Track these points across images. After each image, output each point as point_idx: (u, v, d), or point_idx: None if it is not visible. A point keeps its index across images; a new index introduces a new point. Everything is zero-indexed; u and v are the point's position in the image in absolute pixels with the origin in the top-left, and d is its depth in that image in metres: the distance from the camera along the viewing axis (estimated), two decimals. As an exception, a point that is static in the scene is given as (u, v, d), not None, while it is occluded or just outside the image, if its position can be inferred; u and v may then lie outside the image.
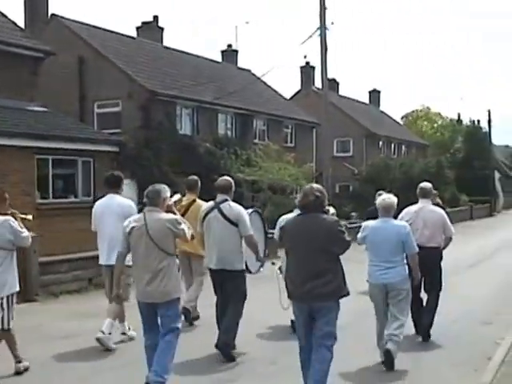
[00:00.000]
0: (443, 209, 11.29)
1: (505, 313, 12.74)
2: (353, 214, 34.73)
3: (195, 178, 12.32)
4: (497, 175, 67.25)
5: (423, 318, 10.54)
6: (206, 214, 9.66)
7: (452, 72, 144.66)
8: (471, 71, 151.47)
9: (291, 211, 10.28)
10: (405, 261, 9.13)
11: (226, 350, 9.34)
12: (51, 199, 19.94)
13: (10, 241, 8.47)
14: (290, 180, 30.80)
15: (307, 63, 50.08)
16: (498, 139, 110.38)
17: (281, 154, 32.45)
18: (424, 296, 10.67)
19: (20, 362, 8.76)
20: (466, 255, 22.11)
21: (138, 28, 36.98)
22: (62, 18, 31.05)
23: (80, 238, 18.44)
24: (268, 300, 11.33)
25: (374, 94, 66.29)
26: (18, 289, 8.73)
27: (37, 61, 22.41)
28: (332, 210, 9.53)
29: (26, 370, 8.77)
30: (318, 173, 34.90)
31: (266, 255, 10.42)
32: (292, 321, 10.19)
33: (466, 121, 74.31)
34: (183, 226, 7.82)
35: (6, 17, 22.80)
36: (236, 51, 44.04)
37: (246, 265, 9.69)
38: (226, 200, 9.60)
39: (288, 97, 48.44)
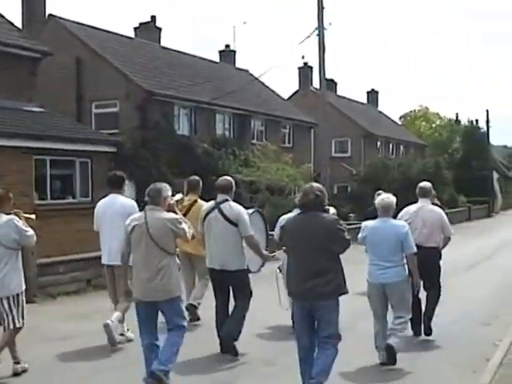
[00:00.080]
0: (442, 209, 11.28)
1: (503, 314, 12.71)
2: (351, 214, 34.71)
3: (197, 178, 12.37)
4: (495, 175, 67.23)
5: (425, 312, 10.61)
6: (207, 214, 9.67)
7: (450, 72, 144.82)
8: (470, 71, 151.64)
9: (290, 211, 10.26)
10: (404, 260, 9.15)
11: (229, 342, 9.46)
12: (49, 200, 19.91)
13: (15, 240, 8.51)
14: (288, 180, 30.78)
15: (305, 63, 50.10)
16: (496, 139, 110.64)
17: (279, 154, 32.45)
18: (424, 296, 10.66)
19: (18, 363, 8.75)
20: (464, 256, 22.10)
21: (135, 28, 36.92)
22: (60, 18, 31.04)
23: (78, 239, 18.47)
24: (268, 300, 11.31)
25: (372, 94, 66.31)
26: (24, 287, 8.77)
27: (34, 61, 22.40)
28: (332, 210, 9.54)
29: (25, 371, 8.74)
30: (316, 173, 34.87)
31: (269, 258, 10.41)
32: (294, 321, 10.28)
33: (464, 121, 74.39)
34: (184, 225, 7.84)
35: (3, 17, 22.79)
36: (234, 51, 44.03)
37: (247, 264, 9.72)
38: (227, 200, 9.61)
39: (286, 97, 48.45)
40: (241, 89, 34.47)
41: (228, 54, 43.48)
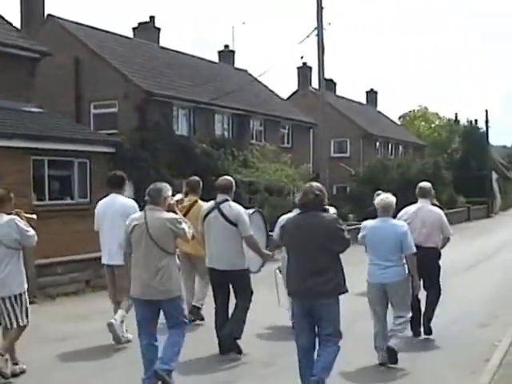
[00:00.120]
0: (441, 209, 11.30)
1: (502, 314, 12.70)
2: (350, 215, 34.68)
3: (197, 178, 12.38)
4: (494, 176, 67.19)
5: (425, 312, 10.67)
6: (207, 214, 9.70)
7: (449, 72, 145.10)
8: (469, 71, 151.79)
9: (289, 211, 10.30)
10: (404, 260, 9.18)
11: (232, 342, 9.54)
12: (47, 201, 19.86)
13: (16, 240, 8.53)
14: (286, 181, 30.76)
15: (304, 63, 50.01)
16: (495, 139, 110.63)
17: (278, 154, 32.41)
18: (423, 296, 10.67)
19: (17, 364, 8.76)
20: (464, 256, 22.09)
21: (134, 28, 36.84)
22: (59, 18, 30.99)
23: (76, 239, 18.44)
24: (267, 301, 11.33)
25: (371, 94, 66.25)
26: (26, 286, 8.80)
27: (33, 61, 22.37)
28: (333, 209, 9.57)
29: (23, 372, 8.75)
30: (314, 174, 34.85)
31: (273, 257, 10.52)
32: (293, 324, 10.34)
33: (463, 121, 74.34)
34: (183, 225, 7.85)
35: (2, 17, 22.76)
36: (233, 51, 44.00)
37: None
38: (227, 200, 9.64)
39: (285, 97, 48.41)
40: (240, 89, 34.44)
41: (227, 54, 43.45)
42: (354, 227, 18.18)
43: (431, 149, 67.88)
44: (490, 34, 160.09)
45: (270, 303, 11.39)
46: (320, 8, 28.16)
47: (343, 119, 50.40)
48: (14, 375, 8.62)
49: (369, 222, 9.40)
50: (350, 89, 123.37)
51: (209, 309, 11.62)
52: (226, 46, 43.76)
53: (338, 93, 58.25)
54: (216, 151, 29.88)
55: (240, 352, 9.57)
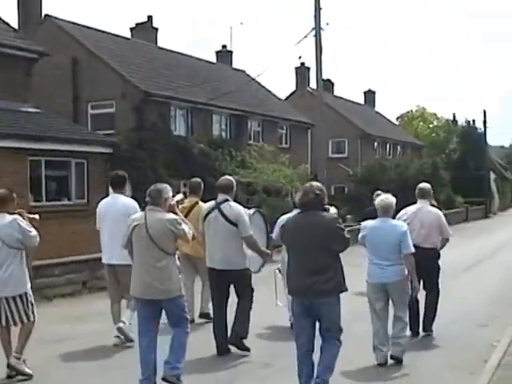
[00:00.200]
0: (439, 210, 11.32)
1: (501, 315, 12.67)
2: (348, 216, 34.64)
3: (198, 180, 12.42)
4: (492, 176, 67.24)
5: (426, 312, 10.80)
6: (207, 214, 9.73)
7: (447, 72, 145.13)
8: (467, 72, 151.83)
9: (289, 212, 10.32)
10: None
11: (240, 343, 9.64)
12: (44, 202, 19.82)
13: (18, 240, 8.54)
14: (284, 182, 30.70)
15: (302, 64, 49.94)
16: (493, 140, 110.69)
17: (276, 155, 32.36)
18: (421, 297, 10.63)
19: None
20: (462, 257, 22.05)
21: (132, 29, 36.86)
22: (56, 18, 30.96)
23: (73, 240, 18.41)
24: (267, 301, 11.32)
25: (369, 95, 66.29)
26: (29, 285, 8.83)
27: (30, 62, 22.34)
28: (333, 209, 9.60)
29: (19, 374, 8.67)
30: (313, 174, 34.81)
31: (271, 257, 10.68)
32: (291, 324, 10.40)
33: (461, 121, 74.37)
34: (184, 226, 7.87)
35: (-1, 18, 22.73)
36: (231, 52, 43.99)
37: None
38: (227, 200, 9.67)
39: (283, 97, 48.40)
40: (238, 89, 34.41)
41: (225, 54, 43.43)
42: (352, 228, 18.09)
43: (429, 149, 67.90)
44: (489, 34, 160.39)
45: (270, 303, 11.40)
46: (318, 8, 28.12)
47: (341, 119, 50.40)
48: (10, 377, 8.58)
49: (369, 223, 9.44)
50: (348, 89, 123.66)
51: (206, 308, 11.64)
52: (224, 47, 43.75)
53: (336, 93, 58.29)
54: (214, 152, 29.85)
55: (247, 349, 9.69)
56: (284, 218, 10.06)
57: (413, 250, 9.17)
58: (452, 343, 10.46)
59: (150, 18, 37.14)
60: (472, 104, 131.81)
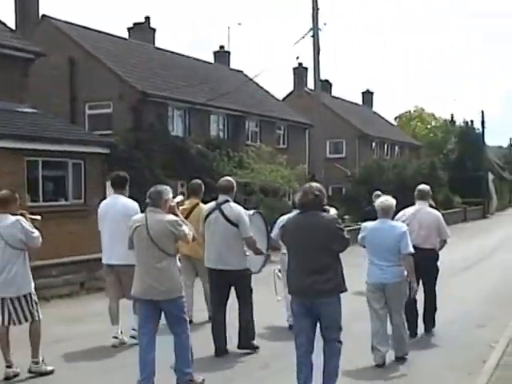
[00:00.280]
0: (437, 211, 11.35)
1: (499, 315, 12.65)
2: (346, 216, 34.60)
3: (199, 181, 12.43)
4: (490, 176, 67.32)
5: (425, 313, 10.97)
6: (208, 215, 9.78)
7: (445, 73, 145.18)
8: (464, 72, 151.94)
9: (288, 212, 10.39)
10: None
11: (250, 346, 9.82)
12: (41, 202, 19.76)
13: (21, 240, 8.59)
14: (282, 182, 30.69)
15: (300, 64, 49.90)
16: (491, 140, 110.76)
17: (273, 155, 32.35)
18: (419, 297, 10.63)
19: (10, 367, 8.71)
20: (461, 257, 22.06)
21: (129, 29, 36.85)
22: (53, 18, 30.94)
23: (71, 241, 18.36)
24: (266, 301, 11.32)
25: (367, 95, 66.36)
26: (33, 285, 8.93)
27: (27, 62, 22.30)
28: (333, 210, 9.64)
29: (16, 375, 8.69)
30: (310, 175, 34.78)
31: (270, 258, 10.71)
32: (289, 326, 10.75)
33: (459, 121, 74.47)
34: (184, 227, 7.93)
35: (-4, 18, 22.68)
36: (228, 52, 44.00)
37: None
38: (227, 201, 9.73)
39: (281, 98, 48.40)
40: (235, 90, 34.38)
41: (222, 54, 43.43)
42: (350, 228, 18.05)
43: (427, 149, 67.96)
44: (487, 35, 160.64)
45: (269, 303, 11.42)
46: (315, 9, 28.08)
47: (339, 120, 50.41)
48: (7, 378, 8.58)
49: (369, 224, 9.53)
50: (346, 89, 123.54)
51: (204, 309, 11.61)
52: (222, 47, 43.74)
53: (333, 93, 58.31)
54: (211, 152, 29.83)
55: (256, 347, 9.87)
56: (284, 218, 10.11)
57: (412, 250, 9.21)
58: (451, 343, 10.48)
59: (147, 18, 37.17)
60: (470, 104, 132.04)
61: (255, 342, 9.96)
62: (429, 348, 10.29)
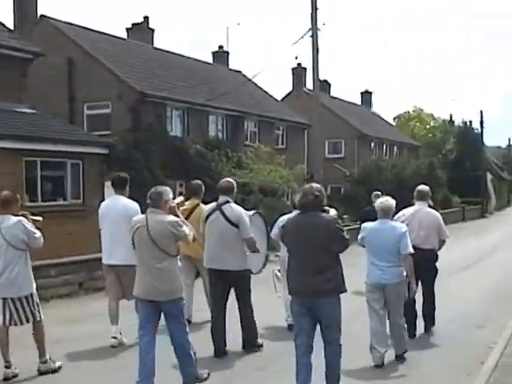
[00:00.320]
0: (436, 211, 11.39)
1: (498, 316, 12.67)
2: (344, 216, 34.59)
3: (199, 182, 12.47)
4: (489, 176, 67.33)
5: (424, 313, 11.02)
6: (208, 216, 9.84)
7: (444, 73, 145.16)
8: (463, 73, 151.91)
9: (288, 213, 10.54)
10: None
11: (255, 345, 9.96)
12: (40, 202, 19.73)
13: (23, 241, 8.67)
14: (281, 182, 30.66)
15: (299, 64, 49.93)
16: (490, 140, 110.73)
17: (272, 155, 32.32)
18: (418, 298, 10.64)
19: (9, 367, 8.72)
20: (460, 256, 22.06)
21: (128, 29, 36.75)
22: (52, 19, 30.87)
23: (69, 241, 18.34)
24: (265, 301, 11.38)
25: (366, 95, 66.32)
26: (35, 286, 8.98)
27: (26, 62, 22.26)
28: (333, 211, 9.69)
29: (15, 376, 8.71)
30: (309, 175, 34.75)
31: (269, 258, 10.73)
32: (288, 326, 10.92)
33: (458, 122, 74.49)
34: (184, 228, 7.98)
35: (-6, 18, 22.68)
36: (227, 52, 43.92)
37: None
38: (228, 202, 9.79)
39: (279, 98, 48.34)
40: (234, 90, 34.32)
41: (221, 55, 43.37)
42: (349, 228, 18.07)
43: (426, 149, 68.00)
44: (486, 35, 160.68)
45: (268, 304, 11.48)
46: (314, 9, 28.04)
47: (338, 120, 50.37)
48: (6, 379, 8.59)
49: (368, 224, 9.58)
50: (345, 90, 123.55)
51: (203, 311, 11.58)
52: (221, 47, 43.68)
53: (332, 94, 58.28)
54: (210, 152, 29.80)
55: (261, 346, 10.05)
56: (284, 218, 10.21)
57: (412, 250, 9.25)
58: (450, 343, 10.50)
59: (146, 18, 37.07)
60: (469, 105, 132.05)
61: (259, 341, 10.07)
62: (428, 348, 10.31)
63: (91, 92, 28.73)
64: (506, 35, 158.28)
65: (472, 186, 57.32)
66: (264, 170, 30.30)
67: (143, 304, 8.01)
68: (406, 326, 9.75)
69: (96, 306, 12.91)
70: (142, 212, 8.55)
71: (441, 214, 11.47)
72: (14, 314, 8.73)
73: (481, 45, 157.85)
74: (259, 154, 31.51)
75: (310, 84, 35.14)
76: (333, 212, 9.35)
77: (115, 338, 10.30)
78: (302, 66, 50.10)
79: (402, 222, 10.21)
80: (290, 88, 53.38)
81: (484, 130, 63.09)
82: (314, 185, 7.74)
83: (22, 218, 8.75)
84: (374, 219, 9.57)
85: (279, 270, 11.34)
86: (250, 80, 37.13)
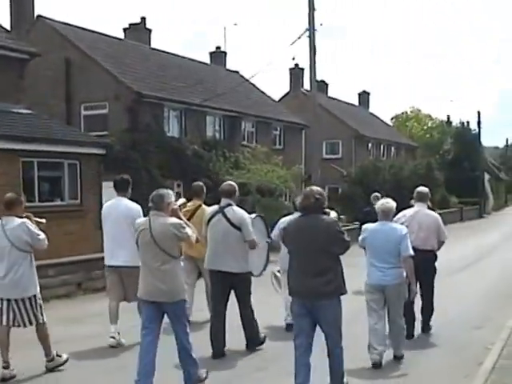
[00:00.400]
0: (434, 211, 11.42)
1: (496, 316, 12.67)
2: (342, 216, 34.59)
3: (201, 183, 12.50)
4: (486, 177, 67.41)
5: (423, 314, 11.08)
6: (211, 218, 9.91)
7: (442, 73, 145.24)
8: (461, 73, 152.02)
9: (287, 214, 10.66)
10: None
11: (258, 342, 10.09)
12: (37, 203, 19.68)
13: (27, 242, 8.75)
14: (278, 182, 30.64)
15: (296, 65, 49.99)
16: (487, 141, 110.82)
17: (269, 156, 32.30)
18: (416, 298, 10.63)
19: (8, 368, 8.73)
20: (458, 257, 22.05)
21: (125, 29, 36.73)
22: (48, 19, 30.83)
23: (67, 241, 18.31)
24: (264, 302, 11.42)
25: (364, 96, 66.33)
26: (38, 288, 9.06)
27: (23, 62, 22.20)
28: (334, 213, 9.75)
29: (12, 377, 8.70)
30: (306, 175, 34.76)
31: (269, 260, 10.79)
32: (287, 325, 11.01)
33: (455, 122, 74.57)
34: (187, 229, 8.03)
35: (-9, 19, 22.64)
36: (224, 53, 43.91)
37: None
38: (230, 204, 9.89)
39: (277, 99, 48.33)
40: (231, 90, 34.34)
41: (218, 55, 43.36)
42: (347, 228, 18.07)
43: (423, 150, 68.10)
44: (486, 35, 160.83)
45: (267, 304, 11.52)
46: (312, 9, 28.02)
47: (335, 120, 50.38)
48: (4, 380, 8.60)
49: (369, 225, 9.62)
50: (343, 90, 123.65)
51: (203, 311, 11.56)
52: (218, 48, 43.67)
53: (330, 94, 58.28)
54: (207, 153, 29.81)
55: (263, 340, 10.19)
56: (285, 219, 10.32)
57: (412, 253, 9.29)
58: (448, 344, 10.49)
59: (143, 18, 37.05)
60: (466, 105, 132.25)
61: (262, 335, 10.19)
62: (426, 348, 10.30)
63: (88, 92, 28.71)
64: (505, 35, 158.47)
65: (470, 187, 57.39)
66: (261, 170, 30.28)
67: (146, 305, 8.06)
68: (405, 326, 9.76)
69: (95, 307, 12.89)
70: (144, 214, 8.57)
71: (439, 214, 11.49)
72: (18, 315, 8.79)
73: (479, 45, 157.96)
74: (256, 155, 31.49)
75: (307, 84, 35.25)
76: (333, 214, 9.46)
77: (113, 337, 10.29)
78: (300, 66, 50.16)
79: (402, 223, 10.24)
80: (287, 88, 53.43)
81: (481, 131, 63.31)
82: (315, 188, 7.79)
83: (25, 219, 8.84)
84: (374, 220, 9.62)
85: (278, 271, 11.44)
86: (247, 80, 37.14)
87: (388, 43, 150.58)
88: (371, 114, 65.91)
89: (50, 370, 8.99)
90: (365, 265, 9.59)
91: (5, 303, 8.78)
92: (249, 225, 9.72)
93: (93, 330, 11.26)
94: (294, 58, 32.33)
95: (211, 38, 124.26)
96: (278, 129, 39.44)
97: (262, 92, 43.29)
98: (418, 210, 10.96)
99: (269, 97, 43.80)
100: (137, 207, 10.31)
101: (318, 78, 30.59)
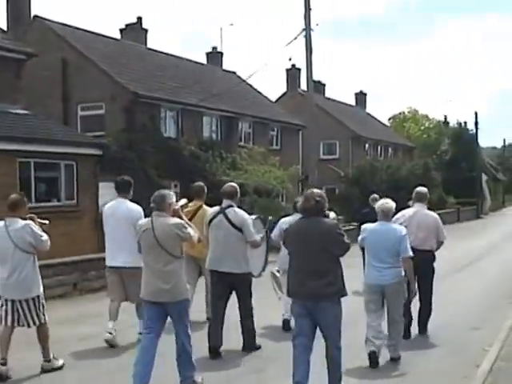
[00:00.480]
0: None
1: (494, 318, 12.67)
2: (340, 217, 34.58)
3: (201, 184, 12.56)
4: (484, 177, 67.45)
5: (420, 314, 11.08)
6: (212, 219, 9.96)
7: (439, 74, 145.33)
8: (458, 73, 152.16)
9: (287, 215, 10.87)
10: (401, 263, 9.36)
11: (253, 348, 10.02)
12: (34, 203, 19.60)
13: (30, 244, 8.80)
14: (275, 183, 30.63)
15: (293, 65, 50.01)
16: (484, 141, 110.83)
17: (266, 156, 32.28)
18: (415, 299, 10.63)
19: (5, 364, 8.74)
20: (456, 257, 22.02)
21: (121, 30, 36.69)
22: (45, 19, 30.82)
23: (64, 242, 18.23)
24: (264, 302, 11.35)
25: (361, 96, 66.43)
26: (42, 288, 9.08)
27: (19, 63, 22.19)
28: (333, 214, 9.80)
29: (8, 378, 8.69)
30: (303, 176, 34.74)
31: (268, 261, 10.77)
32: (284, 321, 11.15)
33: (453, 123, 74.65)
34: (189, 229, 8.10)
35: (-13, 19, 22.63)
36: (221, 53, 43.93)
37: None
38: (231, 206, 9.93)
39: (274, 99, 48.33)
40: (228, 91, 34.34)
41: (215, 55, 43.38)
42: (346, 228, 18.06)
43: (420, 150, 68.14)
44: (485, 35, 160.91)
45: (267, 304, 11.50)
46: (308, 9, 28.00)
47: (332, 121, 50.41)
48: (0, 376, 8.60)
49: (368, 226, 9.67)
50: (339, 91, 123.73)
51: (201, 312, 11.54)
52: (214, 48, 43.67)
53: (327, 95, 58.32)
54: (204, 153, 29.81)
55: (259, 348, 10.09)
56: (286, 220, 10.62)
57: (411, 253, 9.32)
58: (444, 347, 10.45)
59: (139, 19, 37.02)
60: (464, 106, 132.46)
61: (257, 343, 10.12)
62: (424, 349, 10.28)
63: (85, 93, 28.69)
64: (504, 35, 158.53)
65: (467, 187, 57.49)
66: (258, 170, 30.28)
67: (149, 305, 8.07)
68: (403, 328, 9.75)
69: (91, 307, 12.87)
70: (145, 215, 8.59)
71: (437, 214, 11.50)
72: (22, 315, 8.86)
73: (477, 46, 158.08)
74: (253, 155, 31.47)
75: (304, 85, 35.18)
76: (332, 215, 9.50)
77: (110, 333, 10.26)
78: (296, 66, 50.15)
79: (401, 223, 10.27)
80: (284, 89, 53.45)
81: (479, 131, 63.28)
82: (316, 190, 7.83)
83: (29, 221, 8.90)
84: (374, 221, 9.67)
85: (278, 271, 11.51)
86: (244, 81, 37.15)
87: (385, 43, 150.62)
88: (368, 114, 66.00)
89: (45, 370, 8.98)
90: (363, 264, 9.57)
91: (9, 304, 8.84)
92: (250, 226, 9.77)
93: (90, 331, 11.26)
94: (290, 59, 32.50)
95: (208, 38, 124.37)
96: (275, 129, 39.43)
97: (259, 92, 43.30)
98: (417, 210, 10.98)
99: (266, 97, 43.81)
100: (138, 209, 10.32)
101: (315, 78, 30.60)
